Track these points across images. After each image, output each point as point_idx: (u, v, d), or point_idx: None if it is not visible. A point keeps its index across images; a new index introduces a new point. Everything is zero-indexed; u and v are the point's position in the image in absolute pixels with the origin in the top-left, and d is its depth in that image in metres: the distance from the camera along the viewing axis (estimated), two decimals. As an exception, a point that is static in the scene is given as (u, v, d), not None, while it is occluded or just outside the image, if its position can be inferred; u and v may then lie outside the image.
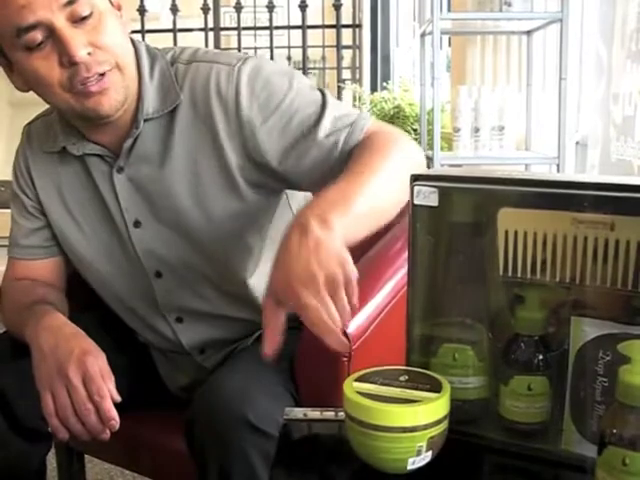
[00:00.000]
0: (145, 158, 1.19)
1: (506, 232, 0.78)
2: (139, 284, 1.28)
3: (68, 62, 1.06)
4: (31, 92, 1.15)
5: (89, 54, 1.06)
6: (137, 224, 1.23)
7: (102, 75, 1.08)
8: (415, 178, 0.80)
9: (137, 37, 1.26)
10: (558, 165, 2.39)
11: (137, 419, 1.28)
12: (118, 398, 1.04)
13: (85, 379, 1.03)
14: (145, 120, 1.17)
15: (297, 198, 1.34)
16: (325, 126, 1.11)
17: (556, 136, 2.41)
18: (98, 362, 1.05)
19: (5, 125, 4.38)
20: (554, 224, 0.75)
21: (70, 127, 1.21)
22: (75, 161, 1.24)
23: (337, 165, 1.10)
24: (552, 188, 0.76)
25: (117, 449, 1.41)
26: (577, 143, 2.64)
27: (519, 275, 0.78)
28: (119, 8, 1.14)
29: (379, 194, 0.98)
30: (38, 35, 1.05)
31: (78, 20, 1.06)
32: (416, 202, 0.80)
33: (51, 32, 1.05)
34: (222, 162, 1.16)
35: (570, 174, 0.83)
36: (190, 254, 1.24)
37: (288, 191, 1.30)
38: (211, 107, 1.15)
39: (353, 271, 0.85)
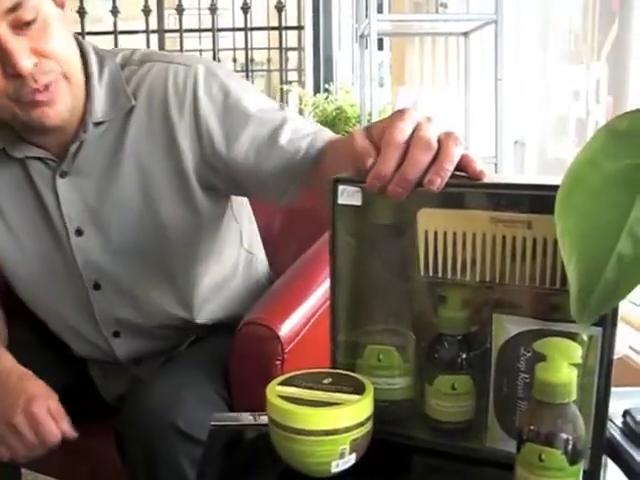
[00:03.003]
0: (92, 163, 1.15)
1: (426, 232, 0.78)
2: (76, 296, 1.23)
3: (13, 74, 1.01)
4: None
5: (35, 65, 1.01)
6: (79, 232, 1.18)
7: (48, 85, 1.04)
8: (338, 179, 0.80)
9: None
10: (496, 164, 2.42)
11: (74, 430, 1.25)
12: (74, 434, 1.06)
13: (34, 425, 1.03)
14: (94, 124, 1.13)
15: (242, 211, 1.34)
16: (286, 132, 1.09)
17: (494, 136, 2.44)
18: (48, 404, 1.04)
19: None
20: (473, 223, 0.76)
21: (10, 128, 1.15)
22: (14, 164, 1.18)
23: (298, 172, 1.08)
24: (470, 188, 0.76)
25: (54, 460, 1.38)
26: (516, 142, 2.68)
27: (440, 275, 0.79)
28: (62, 6, 1.09)
29: None
30: None
31: (21, 26, 1.00)
32: (340, 201, 0.79)
33: None
34: (178, 164, 1.13)
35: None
36: (133, 264, 1.20)
37: (234, 203, 1.29)
38: (169, 107, 1.12)
39: None
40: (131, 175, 1.15)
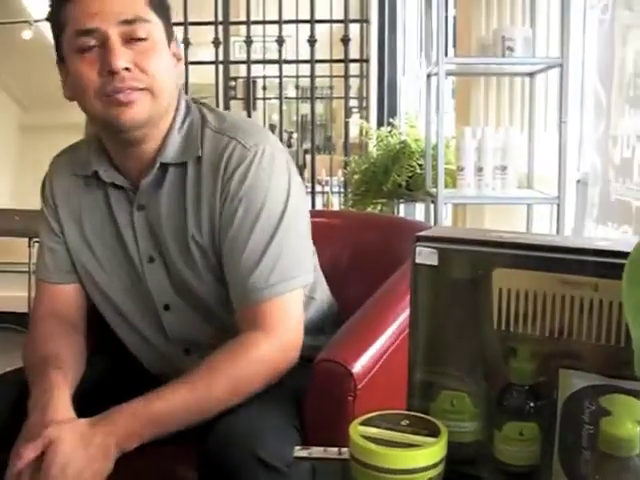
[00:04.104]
0: (163, 201, 1.29)
1: (500, 290, 0.85)
2: (149, 314, 1.36)
3: (107, 71, 1.16)
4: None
5: (127, 69, 1.16)
6: (151, 260, 1.32)
7: (132, 91, 1.17)
8: (417, 239, 0.87)
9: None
10: (559, 205, 2.46)
11: (145, 450, 1.32)
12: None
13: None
14: (163, 164, 1.27)
15: None
16: (252, 272, 1.23)
17: (557, 175, 2.47)
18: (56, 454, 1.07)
19: (13, 153, 4.45)
20: (543, 284, 0.82)
21: (101, 154, 1.31)
22: (98, 191, 1.33)
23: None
24: (541, 252, 0.83)
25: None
26: (578, 181, 2.71)
27: (512, 329, 0.85)
28: (179, 59, 1.26)
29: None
30: (92, 41, 1.16)
31: (130, 40, 1.17)
32: (417, 261, 0.87)
33: (104, 42, 1.16)
34: (213, 224, 1.27)
35: (558, 238, 0.89)
36: (197, 292, 1.31)
37: None
38: (218, 172, 1.25)
39: None
40: (189, 218, 1.27)
